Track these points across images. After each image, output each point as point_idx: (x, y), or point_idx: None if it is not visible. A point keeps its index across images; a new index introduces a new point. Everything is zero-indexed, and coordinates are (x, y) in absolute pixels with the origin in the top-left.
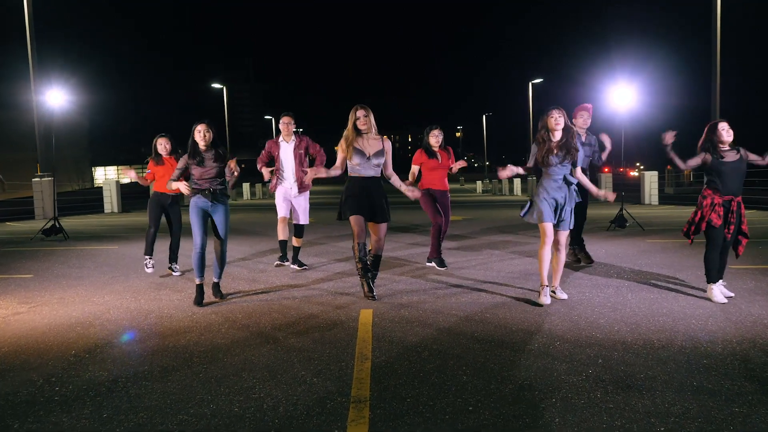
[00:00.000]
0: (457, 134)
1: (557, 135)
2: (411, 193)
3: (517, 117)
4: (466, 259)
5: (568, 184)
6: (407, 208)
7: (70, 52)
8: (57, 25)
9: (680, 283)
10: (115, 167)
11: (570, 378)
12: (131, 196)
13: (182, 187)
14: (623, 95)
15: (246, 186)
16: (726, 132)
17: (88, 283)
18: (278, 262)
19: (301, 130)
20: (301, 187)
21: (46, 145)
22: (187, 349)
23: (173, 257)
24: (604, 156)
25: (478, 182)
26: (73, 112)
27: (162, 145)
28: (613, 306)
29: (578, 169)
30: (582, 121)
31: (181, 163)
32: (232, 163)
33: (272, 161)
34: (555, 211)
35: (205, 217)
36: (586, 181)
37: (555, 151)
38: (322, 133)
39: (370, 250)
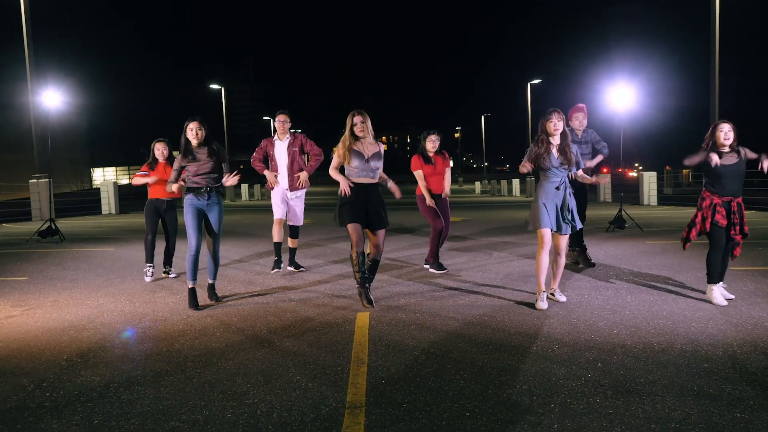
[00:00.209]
0: (456, 135)
1: (556, 139)
2: (397, 192)
3: (517, 117)
4: (465, 260)
5: (566, 186)
6: (405, 209)
7: (69, 52)
8: (56, 25)
9: (680, 285)
10: (113, 168)
11: (569, 382)
12: (129, 197)
13: (175, 188)
14: (622, 96)
15: (244, 187)
16: (724, 135)
17: (83, 285)
18: (275, 270)
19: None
20: (295, 186)
21: (43, 146)
22: (181, 353)
23: (168, 261)
24: (593, 163)
25: (477, 183)
26: (71, 113)
27: (160, 150)
28: (613, 308)
29: (580, 171)
30: (578, 122)
31: (176, 164)
32: (229, 178)
33: (266, 160)
34: (555, 215)
35: (200, 216)
36: (582, 176)
37: (555, 154)
38: (322, 134)
39: (368, 255)
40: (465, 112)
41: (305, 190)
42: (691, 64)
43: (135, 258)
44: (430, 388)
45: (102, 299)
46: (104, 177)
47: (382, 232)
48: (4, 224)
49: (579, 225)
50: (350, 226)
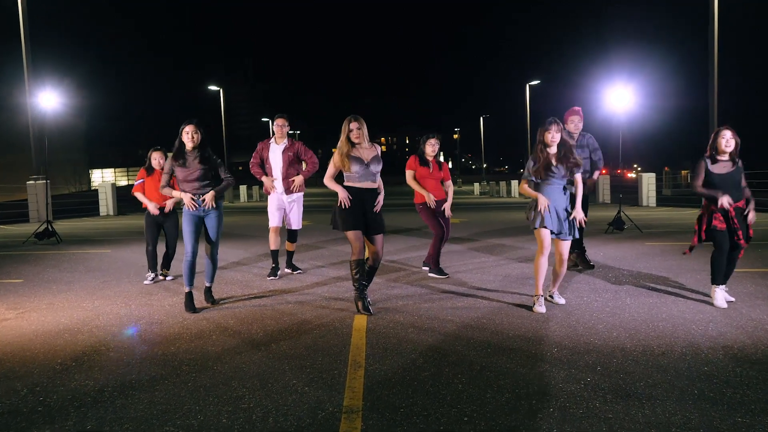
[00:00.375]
0: (455, 136)
1: (553, 149)
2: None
3: (517, 118)
4: (463, 262)
5: (565, 189)
6: (402, 210)
7: (68, 53)
8: (54, 25)
9: (680, 287)
10: (112, 170)
11: (568, 386)
12: (127, 198)
13: (170, 204)
14: (621, 96)
15: (243, 188)
16: (725, 142)
17: (79, 288)
18: (271, 278)
19: (298, 132)
20: (290, 190)
21: (40, 148)
22: (177, 356)
23: (166, 264)
24: (592, 180)
25: (476, 184)
26: (69, 114)
27: (156, 159)
28: (612, 311)
29: (578, 176)
30: (573, 126)
31: (167, 167)
32: (208, 197)
33: (263, 164)
34: (557, 217)
35: (199, 223)
36: (580, 184)
37: (554, 163)
38: (322, 134)
39: (367, 259)
40: (465, 112)
41: (301, 194)
42: (690, 64)
43: (132, 260)
44: (428, 391)
45: (98, 302)
46: (103, 178)
47: (380, 239)
48: (1, 226)
49: (577, 233)
50: (351, 235)
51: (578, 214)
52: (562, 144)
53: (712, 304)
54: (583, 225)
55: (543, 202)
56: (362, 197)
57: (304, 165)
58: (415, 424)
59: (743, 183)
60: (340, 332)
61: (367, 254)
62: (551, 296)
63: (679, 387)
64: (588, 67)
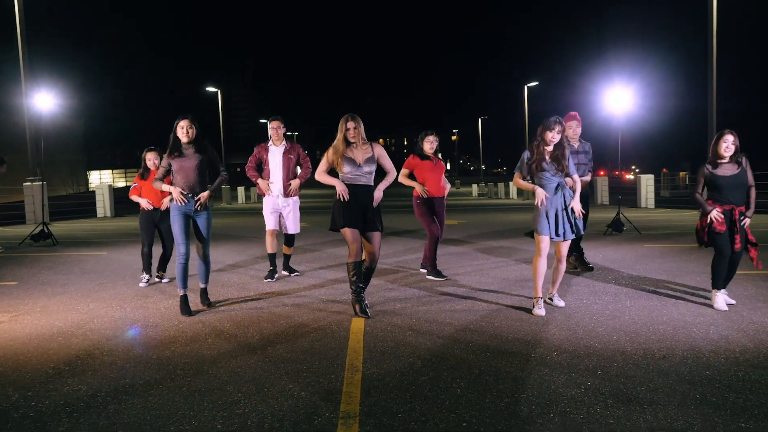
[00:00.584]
0: (453, 137)
1: (549, 148)
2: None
3: (518, 118)
4: (461, 264)
5: (562, 188)
6: (400, 212)
7: (67, 53)
8: (54, 26)
9: (680, 289)
10: (110, 171)
11: (568, 391)
12: (124, 200)
13: (169, 189)
14: (620, 97)
15: (241, 190)
16: (726, 147)
17: (74, 290)
18: (268, 280)
19: (296, 134)
20: (287, 193)
21: (37, 149)
22: (171, 360)
23: (162, 266)
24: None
25: (474, 185)
26: (67, 116)
27: (151, 160)
28: (612, 314)
29: (575, 176)
30: (572, 131)
31: (163, 163)
32: (203, 197)
33: (260, 167)
34: (555, 223)
35: (188, 222)
36: (578, 186)
37: (548, 160)
38: (323, 133)
39: (363, 261)
40: (466, 112)
41: (297, 197)
42: (690, 64)
43: (127, 262)
44: (426, 396)
45: (92, 304)
46: (101, 180)
47: (377, 238)
48: None
49: (582, 230)
50: (348, 233)
51: (576, 205)
52: (559, 145)
53: (712, 307)
54: (580, 216)
55: (540, 194)
56: (356, 193)
57: (298, 169)
58: (413, 429)
59: (751, 181)
60: (337, 335)
61: (363, 255)
62: (551, 299)
63: (681, 391)
64: (588, 67)
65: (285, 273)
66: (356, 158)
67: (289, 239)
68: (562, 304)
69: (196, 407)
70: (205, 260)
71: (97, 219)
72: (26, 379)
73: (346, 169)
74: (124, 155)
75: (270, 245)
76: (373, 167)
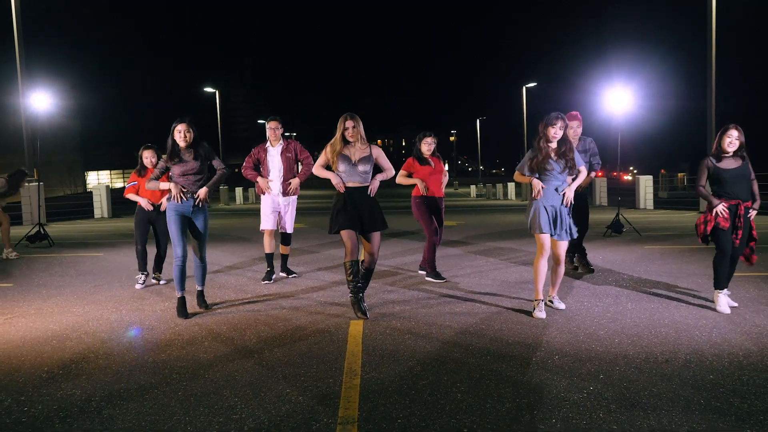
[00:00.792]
0: (451, 138)
1: (553, 144)
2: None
3: (517, 119)
4: (460, 266)
5: (557, 190)
6: (400, 213)
7: (65, 53)
8: (52, 25)
9: (681, 291)
10: (108, 172)
11: (570, 395)
12: (122, 201)
13: (168, 186)
14: (620, 98)
15: (239, 190)
16: (729, 141)
17: (69, 292)
18: (266, 282)
19: (294, 134)
20: (287, 192)
21: (33, 149)
22: (167, 364)
23: (158, 267)
24: (586, 181)
25: (472, 186)
26: (64, 116)
27: (148, 158)
28: (613, 316)
29: (582, 168)
30: (572, 132)
31: (161, 164)
32: (201, 193)
33: (257, 168)
34: (554, 221)
35: (185, 222)
36: (584, 172)
37: (554, 158)
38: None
39: (362, 262)
40: (465, 112)
41: (296, 196)
42: (690, 65)
43: (124, 264)
44: (426, 401)
45: (88, 307)
46: (98, 180)
47: (377, 237)
48: None
49: (575, 234)
50: (344, 233)
51: (569, 191)
52: (563, 141)
53: (714, 309)
54: (568, 204)
55: (537, 185)
56: (353, 195)
57: (298, 166)
58: None
59: (752, 176)
60: (335, 339)
61: (362, 256)
62: (551, 301)
63: (685, 396)
64: (587, 68)
65: (283, 274)
66: (352, 156)
67: (286, 238)
68: (562, 306)
69: (192, 412)
70: (202, 261)
71: (94, 220)
72: (19, 384)
73: (341, 168)
74: (122, 155)
75: (268, 245)
76: (369, 167)
